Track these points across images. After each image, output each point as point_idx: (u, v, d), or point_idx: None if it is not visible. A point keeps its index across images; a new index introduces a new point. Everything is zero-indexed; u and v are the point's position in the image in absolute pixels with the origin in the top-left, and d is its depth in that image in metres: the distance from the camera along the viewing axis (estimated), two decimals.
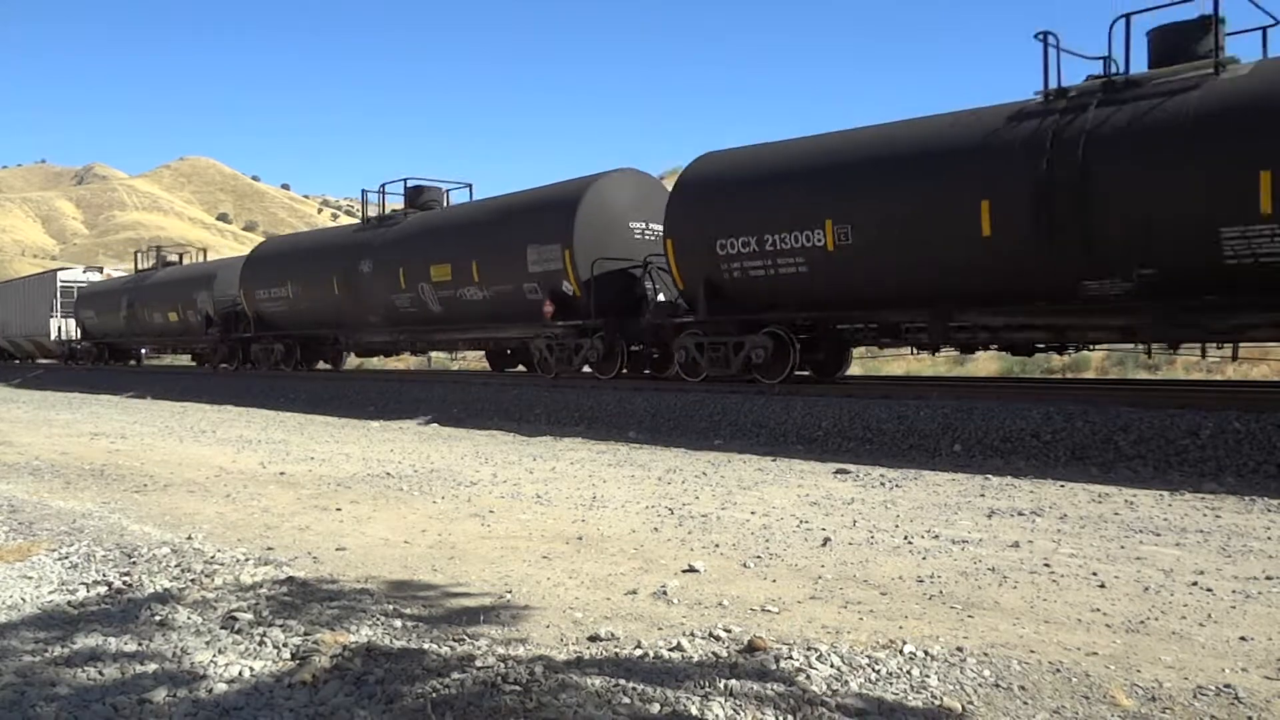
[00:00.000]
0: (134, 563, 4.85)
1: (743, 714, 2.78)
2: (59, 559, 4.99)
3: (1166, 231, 8.12)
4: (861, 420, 9.53)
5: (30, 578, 4.59)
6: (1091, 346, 10.46)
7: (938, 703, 2.87)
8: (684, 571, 4.60)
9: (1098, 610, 3.84)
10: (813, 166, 10.73)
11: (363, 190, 18.00)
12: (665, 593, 4.18)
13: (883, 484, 7.24)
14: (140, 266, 28.34)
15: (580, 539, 5.39)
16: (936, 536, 5.31)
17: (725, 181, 11.55)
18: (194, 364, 27.17)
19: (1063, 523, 5.66)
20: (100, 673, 3.20)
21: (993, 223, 9.02)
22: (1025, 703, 2.88)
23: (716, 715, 2.78)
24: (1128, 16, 8.76)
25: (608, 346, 13.25)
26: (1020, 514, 5.94)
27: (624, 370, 13.63)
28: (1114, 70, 8.91)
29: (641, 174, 14.47)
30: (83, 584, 4.43)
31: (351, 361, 24.54)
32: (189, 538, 5.50)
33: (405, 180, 17.46)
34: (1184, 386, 11.71)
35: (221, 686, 3.05)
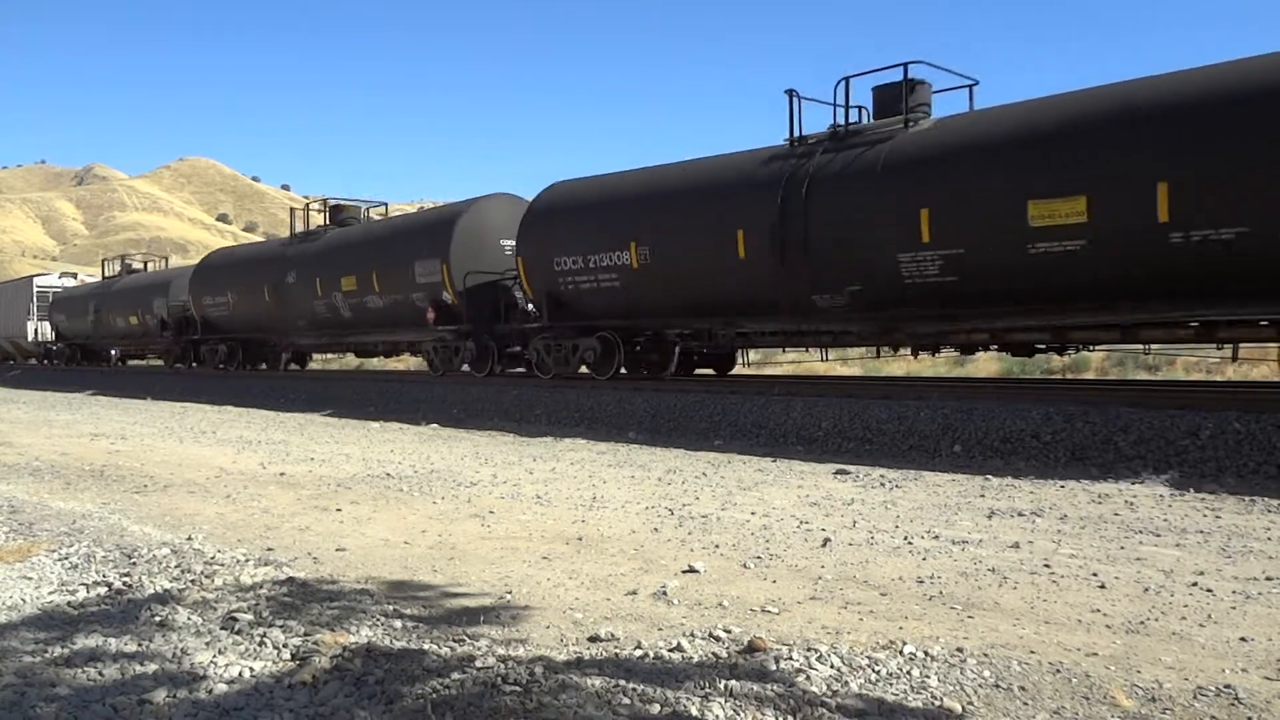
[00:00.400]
0: (134, 563, 4.85)
1: (743, 714, 2.78)
2: (59, 559, 4.99)
3: (866, 257, 10.00)
4: (861, 420, 9.53)
5: (30, 578, 4.59)
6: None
7: (938, 703, 2.87)
8: (684, 572, 4.60)
9: (1098, 611, 3.84)
10: (623, 197, 12.84)
11: (291, 209, 21.09)
12: (665, 593, 4.18)
13: (883, 484, 7.24)
14: (108, 273, 30.19)
15: (580, 539, 5.39)
16: (936, 537, 5.31)
17: (561, 209, 13.62)
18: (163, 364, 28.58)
19: (1063, 523, 5.66)
20: (100, 673, 3.20)
21: (746, 248, 11.01)
22: (1025, 703, 2.88)
23: (716, 716, 2.78)
24: (847, 79, 10.79)
25: (480, 348, 15.47)
26: (1020, 514, 5.94)
27: (496, 369, 15.71)
28: (856, 120, 10.89)
29: (514, 197, 16.37)
30: (83, 584, 4.43)
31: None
32: (189, 538, 5.50)
33: (326, 200, 20.28)
34: (1184, 387, 11.71)
35: (221, 687, 3.05)
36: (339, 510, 6.46)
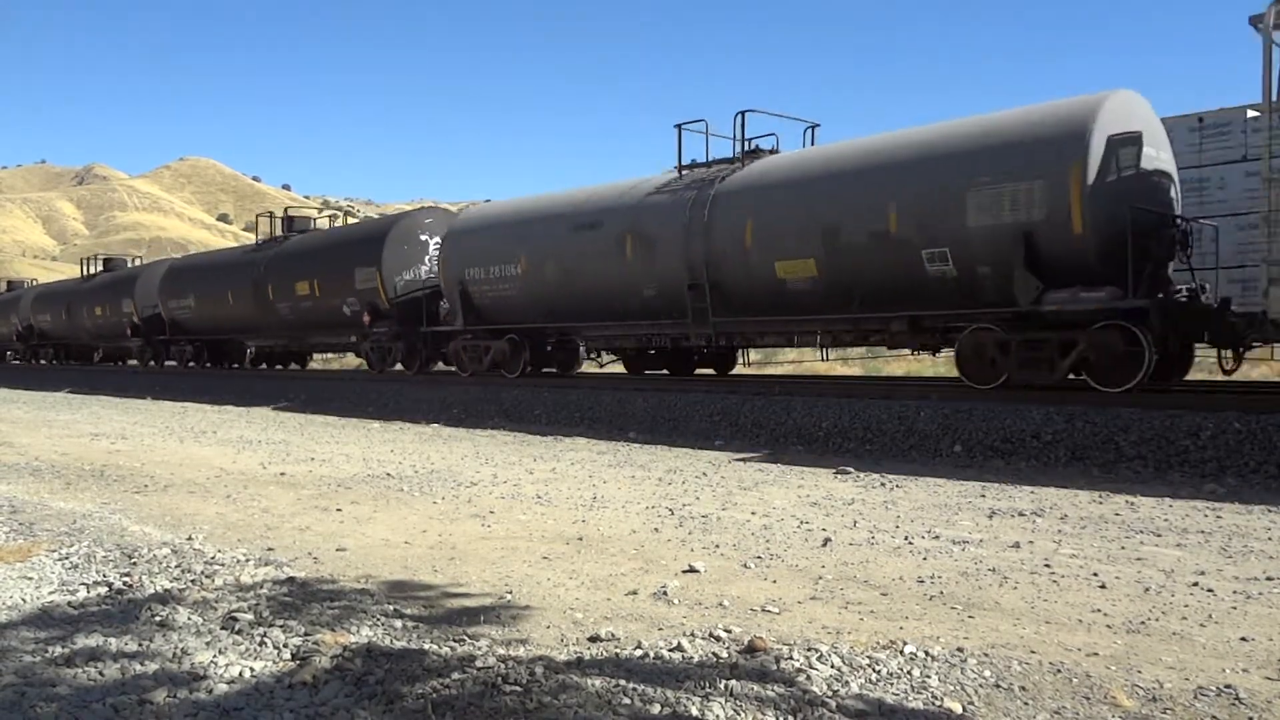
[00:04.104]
0: (134, 563, 4.84)
1: (743, 715, 2.78)
2: (59, 559, 4.99)
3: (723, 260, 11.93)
4: (861, 420, 9.53)
5: (31, 578, 4.59)
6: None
7: (938, 703, 2.86)
8: (684, 572, 4.59)
9: (1098, 611, 3.84)
10: (517, 218, 15.01)
11: (256, 215, 24.37)
12: (665, 593, 4.18)
13: (883, 484, 7.24)
14: (86, 272, 31.07)
15: (580, 539, 5.39)
16: (937, 537, 5.31)
17: (471, 228, 15.79)
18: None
19: (1063, 523, 5.66)
20: (100, 673, 3.20)
21: (622, 257, 13.03)
22: (1026, 703, 2.87)
23: (717, 716, 2.77)
24: (743, 113, 12.77)
25: (409, 348, 17.27)
26: (1021, 514, 5.93)
27: (428, 368, 17.55)
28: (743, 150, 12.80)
29: (446, 211, 18.71)
30: (83, 584, 4.43)
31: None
32: (189, 538, 5.50)
33: (286, 210, 22.65)
34: (1184, 387, 11.69)
35: (222, 687, 3.05)
36: (339, 510, 6.46)
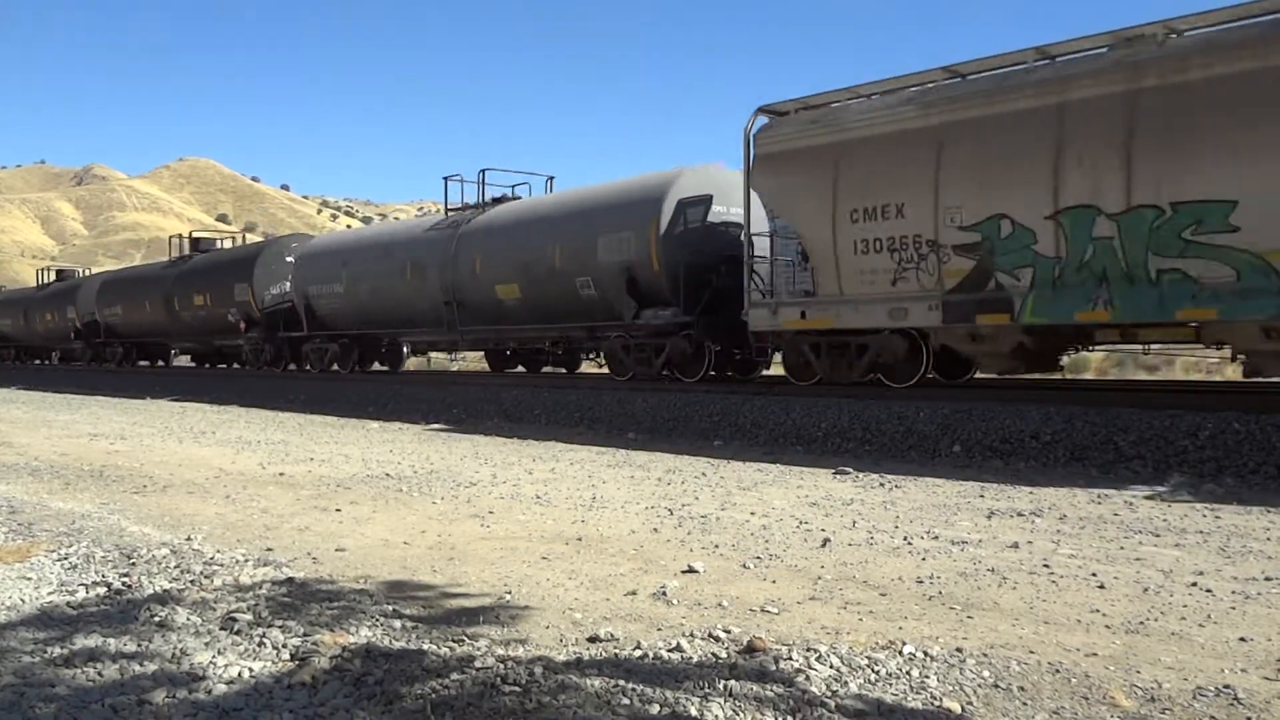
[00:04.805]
0: (133, 564, 4.84)
1: (742, 715, 2.78)
2: (58, 560, 4.98)
3: (466, 287, 15.81)
4: (861, 420, 9.53)
5: (30, 578, 4.58)
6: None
7: (937, 703, 2.87)
8: (684, 572, 4.59)
9: (1097, 611, 3.84)
10: (341, 246, 19.82)
11: (169, 237, 29.08)
12: (665, 593, 4.18)
13: (882, 484, 7.24)
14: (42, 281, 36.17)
15: (580, 540, 5.39)
16: (936, 537, 5.31)
17: (313, 253, 20.27)
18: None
19: (1062, 523, 5.66)
20: (99, 673, 3.20)
21: (412, 282, 16.85)
22: (1025, 703, 2.88)
23: (716, 716, 2.77)
24: (483, 171, 17.26)
25: (276, 350, 21.55)
26: (1020, 515, 5.94)
27: (289, 367, 21.45)
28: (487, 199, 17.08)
29: (306, 236, 25.49)
30: (82, 585, 4.42)
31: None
32: (188, 539, 5.50)
33: (192, 233, 28.40)
34: (1184, 387, 11.71)
35: (221, 687, 3.05)
36: (338, 510, 6.46)
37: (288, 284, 20.67)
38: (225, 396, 18.69)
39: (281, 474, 8.27)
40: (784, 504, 6.45)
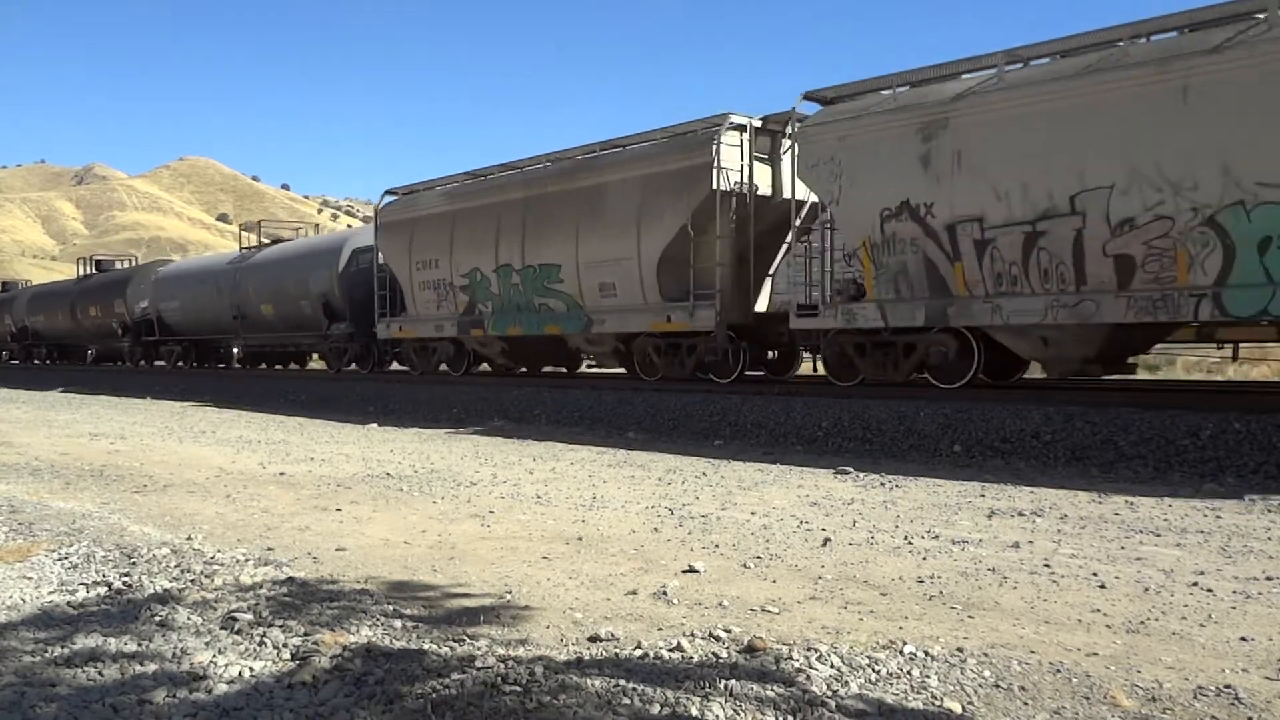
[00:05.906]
0: (134, 563, 4.84)
1: (743, 715, 2.78)
2: (59, 559, 4.98)
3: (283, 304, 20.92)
4: (861, 420, 9.53)
5: (30, 578, 4.59)
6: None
7: (938, 703, 2.86)
8: (684, 572, 4.59)
9: (1098, 611, 3.84)
10: (179, 271, 25.97)
11: (78, 259, 34.54)
12: (665, 593, 4.18)
13: (883, 484, 7.24)
14: None
15: (580, 539, 5.39)
16: (936, 537, 5.31)
17: (164, 276, 25.78)
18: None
19: (1063, 523, 5.66)
20: (100, 673, 3.20)
21: (218, 302, 22.68)
22: (1025, 703, 2.87)
23: (716, 716, 2.77)
24: (259, 222, 25.13)
25: (145, 350, 27.05)
26: (1020, 514, 5.93)
27: (148, 364, 27.43)
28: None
29: (166, 261, 30.73)
30: (82, 584, 4.43)
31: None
32: (189, 538, 5.50)
33: (95, 255, 34.48)
34: (1184, 387, 11.71)
35: (221, 687, 3.05)
36: (339, 510, 6.46)
37: (147, 301, 26.48)
38: (225, 396, 18.72)
39: (282, 474, 8.27)
40: (784, 504, 6.45)
